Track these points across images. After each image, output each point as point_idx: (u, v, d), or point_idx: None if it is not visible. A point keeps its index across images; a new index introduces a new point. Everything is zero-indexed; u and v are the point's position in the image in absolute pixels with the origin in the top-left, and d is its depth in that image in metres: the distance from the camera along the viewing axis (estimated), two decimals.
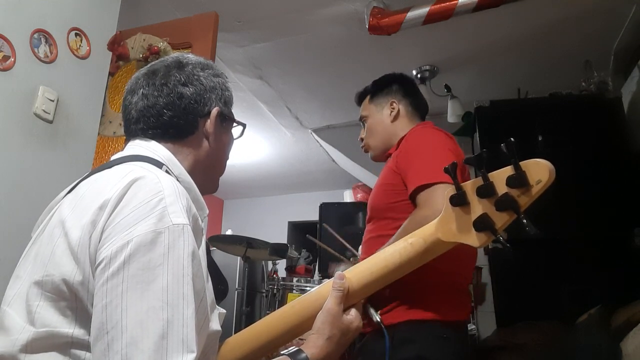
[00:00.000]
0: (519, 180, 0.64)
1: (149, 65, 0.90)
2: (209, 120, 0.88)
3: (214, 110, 0.89)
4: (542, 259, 2.29)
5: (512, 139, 0.62)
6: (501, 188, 0.66)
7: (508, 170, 0.65)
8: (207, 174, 0.90)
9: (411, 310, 1.22)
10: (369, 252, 1.37)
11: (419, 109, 1.59)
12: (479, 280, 3.24)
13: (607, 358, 1.75)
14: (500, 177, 0.66)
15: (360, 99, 1.66)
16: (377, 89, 1.61)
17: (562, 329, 2.01)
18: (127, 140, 0.87)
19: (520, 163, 0.64)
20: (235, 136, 0.96)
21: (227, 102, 0.93)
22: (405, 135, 1.44)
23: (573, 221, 2.31)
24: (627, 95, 2.74)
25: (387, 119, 1.54)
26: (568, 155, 2.39)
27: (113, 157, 0.82)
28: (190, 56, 0.91)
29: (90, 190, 0.72)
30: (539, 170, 0.63)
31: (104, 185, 0.70)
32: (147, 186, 0.68)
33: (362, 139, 1.63)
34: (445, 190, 1.19)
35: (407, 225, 1.21)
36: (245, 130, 0.97)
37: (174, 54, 0.92)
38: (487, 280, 3.17)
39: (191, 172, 0.84)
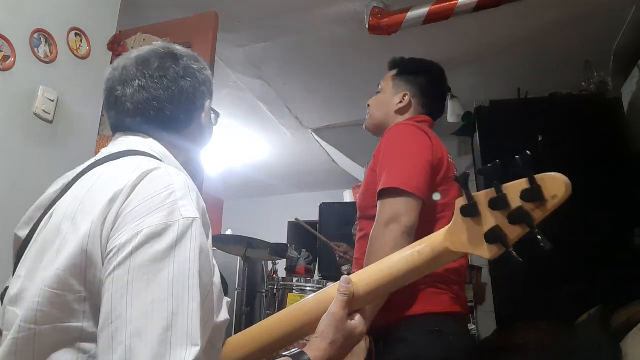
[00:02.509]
0: (534, 195, 0.62)
1: (134, 54, 0.87)
2: (203, 113, 0.90)
3: (207, 103, 0.91)
4: (542, 259, 2.28)
5: (528, 152, 0.60)
6: (515, 201, 0.64)
7: (522, 183, 0.64)
8: (196, 164, 0.92)
9: (401, 308, 1.20)
10: (359, 252, 1.36)
11: (427, 111, 1.49)
12: (479, 280, 3.24)
13: (607, 358, 1.75)
14: (514, 189, 0.65)
15: (390, 67, 1.57)
16: (405, 71, 1.51)
17: (562, 329, 2.01)
18: (119, 133, 0.85)
19: (536, 177, 0.62)
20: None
21: (212, 94, 0.95)
22: (387, 130, 1.38)
23: (573, 221, 2.31)
24: (627, 95, 2.74)
25: (394, 106, 1.48)
26: (568, 155, 2.39)
27: (111, 151, 0.80)
28: (178, 47, 0.91)
29: (98, 184, 0.71)
30: (555, 185, 0.61)
31: (113, 177, 0.70)
32: (159, 178, 0.69)
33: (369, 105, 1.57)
34: (398, 202, 1.16)
35: (368, 250, 1.19)
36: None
37: (159, 43, 0.91)
38: (487, 280, 3.18)
39: (185, 164, 0.85)
